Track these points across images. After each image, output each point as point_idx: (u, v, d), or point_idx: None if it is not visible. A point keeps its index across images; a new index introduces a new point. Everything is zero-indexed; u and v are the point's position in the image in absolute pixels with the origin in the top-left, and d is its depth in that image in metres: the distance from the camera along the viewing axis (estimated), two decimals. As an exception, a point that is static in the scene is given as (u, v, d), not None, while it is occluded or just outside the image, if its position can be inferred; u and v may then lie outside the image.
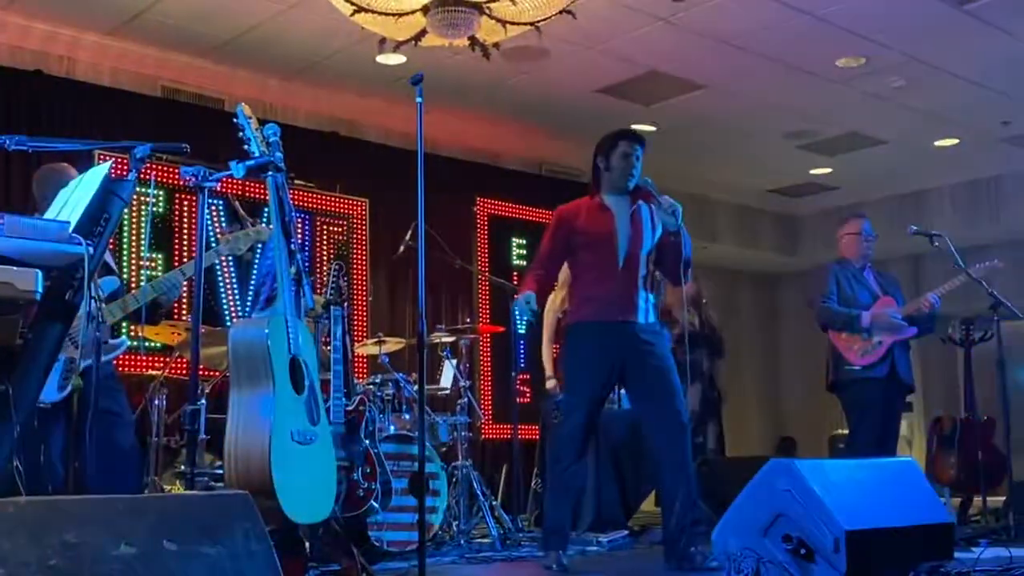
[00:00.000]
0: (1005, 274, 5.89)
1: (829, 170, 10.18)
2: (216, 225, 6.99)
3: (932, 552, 3.95)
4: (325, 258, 7.66)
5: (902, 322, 5.62)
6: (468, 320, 7.66)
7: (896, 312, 5.66)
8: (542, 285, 4.59)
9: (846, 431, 6.10)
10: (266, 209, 6.48)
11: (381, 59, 6.92)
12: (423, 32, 5.20)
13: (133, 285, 6.24)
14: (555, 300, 6.39)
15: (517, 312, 4.56)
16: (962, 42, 7.04)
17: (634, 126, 8.52)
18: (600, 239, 4.46)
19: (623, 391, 5.73)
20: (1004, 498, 6.19)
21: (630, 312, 4.42)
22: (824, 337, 5.85)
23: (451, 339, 6.35)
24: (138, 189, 3.17)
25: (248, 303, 7.13)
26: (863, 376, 5.63)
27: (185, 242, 6.99)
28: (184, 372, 6.06)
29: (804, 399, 11.75)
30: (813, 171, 10.23)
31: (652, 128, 8.69)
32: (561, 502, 4.46)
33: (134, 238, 6.74)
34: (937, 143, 9.33)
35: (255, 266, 7.17)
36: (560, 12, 5.22)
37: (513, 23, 5.21)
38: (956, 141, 9.27)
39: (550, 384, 6.47)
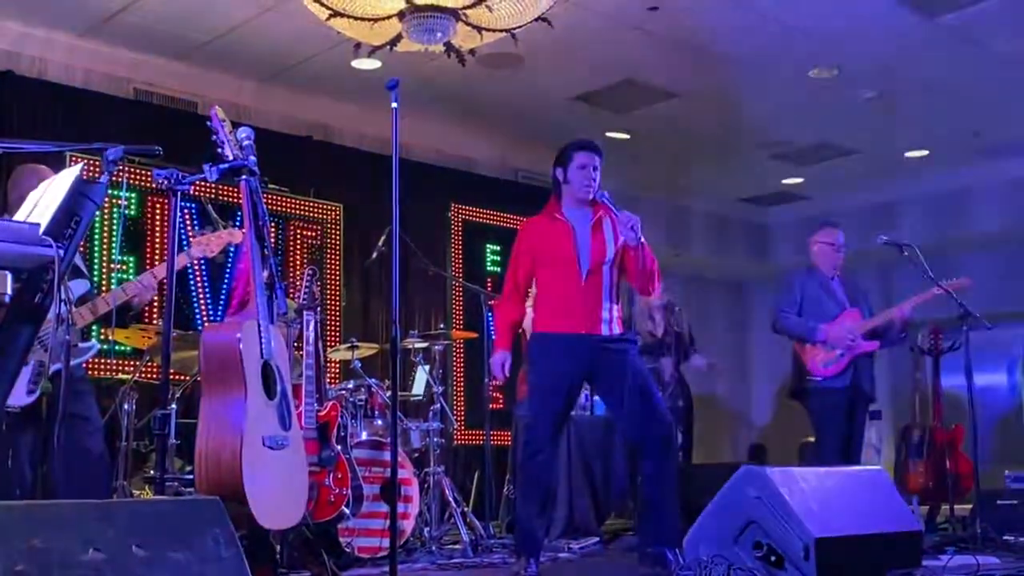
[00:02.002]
0: (975, 283, 5.93)
1: (800, 179, 10.26)
2: (188, 228, 6.95)
3: (900, 559, 3.99)
4: (298, 263, 7.63)
5: (857, 342, 5.64)
6: (441, 326, 7.64)
7: (855, 329, 5.67)
8: (516, 320, 4.70)
9: (815, 439, 6.13)
10: (239, 213, 6.45)
11: (356, 64, 6.92)
12: (399, 37, 5.19)
13: (104, 288, 6.19)
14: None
15: (492, 371, 4.61)
16: (933, 54, 7.12)
17: (608, 134, 8.58)
18: (559, 255, 4.46)
19: (596, 398, 5.74)
20: (971, 506, 6.24)
21: (595, 325, 4.41)
22: (792, 345, 5.88)
23: (424, 345, 6.33)
24: (110, 191, 3.15)
25: (220, 307, 7.09)
26: (824, 386, 5.66)
27: (157, 245, 6.94)
28: (154, 376, 6.02)
29: (775, 406, 11.82)
30: (785, 180, 10.32)
31: (626, 136, 8.74)
32: (531, 509, 4.44)
33: (105, 241, 6.69)
34: (908, 153, 9.43)
35: (227, 269, 7.14)
36: (536, 20, 5.23)
37: (489, 30, 5.22)
38: (926, 152, 9.37)
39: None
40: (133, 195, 6.88)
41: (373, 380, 5.75)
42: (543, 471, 4.44)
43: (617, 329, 4.49)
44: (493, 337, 4.69)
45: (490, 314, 6.67)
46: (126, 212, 6.76)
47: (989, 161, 9.51)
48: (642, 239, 4.37)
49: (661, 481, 4.33)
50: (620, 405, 4.44)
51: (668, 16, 6.51)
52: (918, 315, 5.95)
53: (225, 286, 7.14)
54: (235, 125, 3.79)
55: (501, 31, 5.26)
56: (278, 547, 4.09)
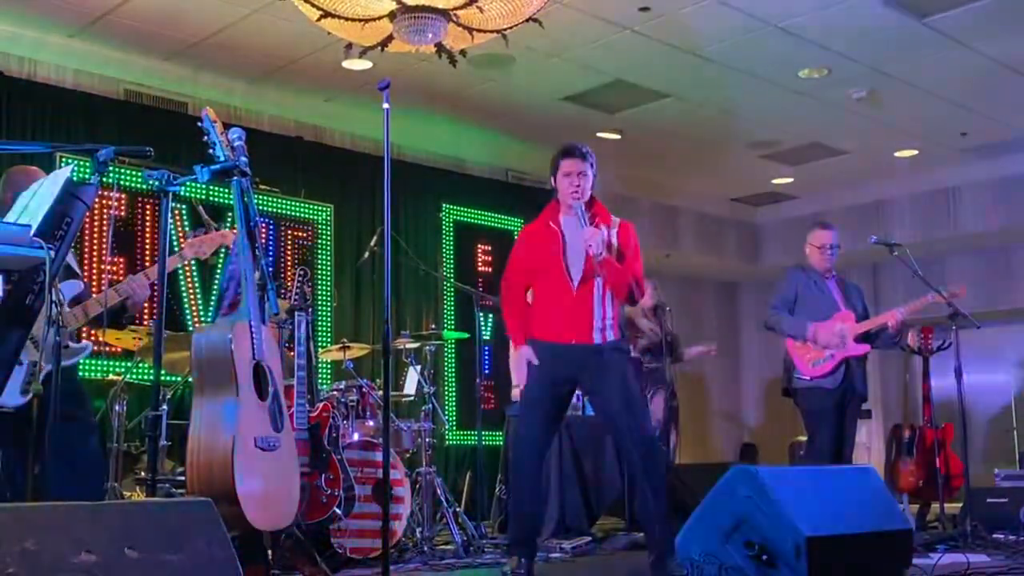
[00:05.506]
0: (963, 283, 5.95)
1: (790, 179, 10.29)
2: (179, 229, 6.94)
3: (891, 558, 4.00)
4: (289, 263, 7.62)
5: (846, 344, 5.62)
6: (433, 326, 7.65)
7: (847, 330, 5.66)
8: (521, 309, 4.56)
9: (806, 437, 6.15)
10: (230, 213, 6.44)
11: (347, 64, 6.92)
12: (390, 38, 5.19)
13: (95, 289, 6.17)
14: None
15: (515, 369, 4.48)
16: (922, 55, 7.15)
17: (599, 134, 8.59)
18: (548, 264, 4.40)
19: (587, 398, 5.73)
20: (961, 505, 6.27)
21: (586, 334, 4.35)
22: (783, 343, 5.89)
23: (416, 345, 6.33)
24: (100, 192, 3.14)
25: (211, 308, 7.08)
26: (815, 386, 5.66)
27: (148, 246, 6.93)
28: (146, 377, 6.00)
29: (765, 405, 11.85)
30: (775, 180, 10.35)
31: (617, 136, 8.75)
32: (522, 512, 4.45)
33: (96, 242, 6.67)
34: (897, 153, 9.47)
35: (219, 270, 7.13)
36: (527, 20, 5.22)
37: (480, 30, 5.21)
38: (915, 152, 9.41)
39: (515, 393, 6.45)
40: (123, 196, 6.87)
41: (364, 380, 5.75)
42: (530, 478, 4.43)
43: (612, 336, 4.39)
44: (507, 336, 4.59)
45: (481, 314, 6.65)
46: (116, 213, 6.75)
47: (977, 161, 9.55)
48: (603, 254, 4.25)
49: (645, 491, 4.30)
50: (605, 413, 4.45)
51: (659, 17, 6.52)
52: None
53: (216, 287, 7.13)
54: (226, 126, 3.79)
55: (492, 32, 5.26)
56: (270, 548, 4.08)
